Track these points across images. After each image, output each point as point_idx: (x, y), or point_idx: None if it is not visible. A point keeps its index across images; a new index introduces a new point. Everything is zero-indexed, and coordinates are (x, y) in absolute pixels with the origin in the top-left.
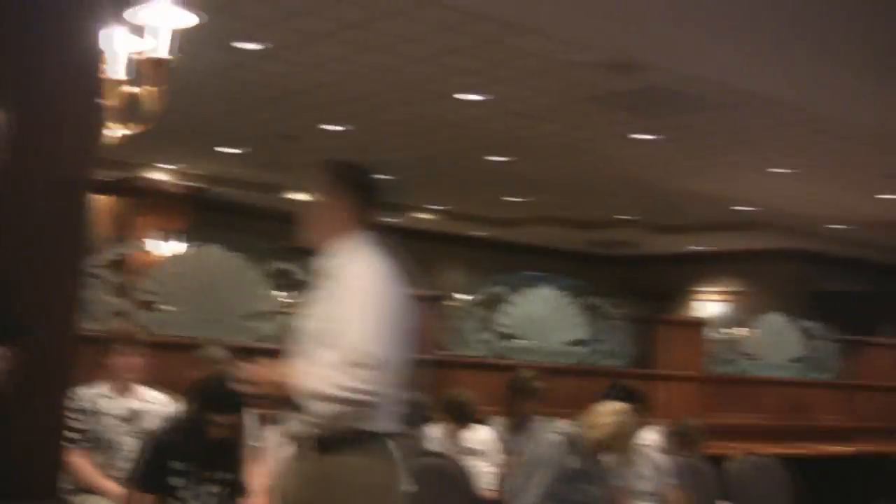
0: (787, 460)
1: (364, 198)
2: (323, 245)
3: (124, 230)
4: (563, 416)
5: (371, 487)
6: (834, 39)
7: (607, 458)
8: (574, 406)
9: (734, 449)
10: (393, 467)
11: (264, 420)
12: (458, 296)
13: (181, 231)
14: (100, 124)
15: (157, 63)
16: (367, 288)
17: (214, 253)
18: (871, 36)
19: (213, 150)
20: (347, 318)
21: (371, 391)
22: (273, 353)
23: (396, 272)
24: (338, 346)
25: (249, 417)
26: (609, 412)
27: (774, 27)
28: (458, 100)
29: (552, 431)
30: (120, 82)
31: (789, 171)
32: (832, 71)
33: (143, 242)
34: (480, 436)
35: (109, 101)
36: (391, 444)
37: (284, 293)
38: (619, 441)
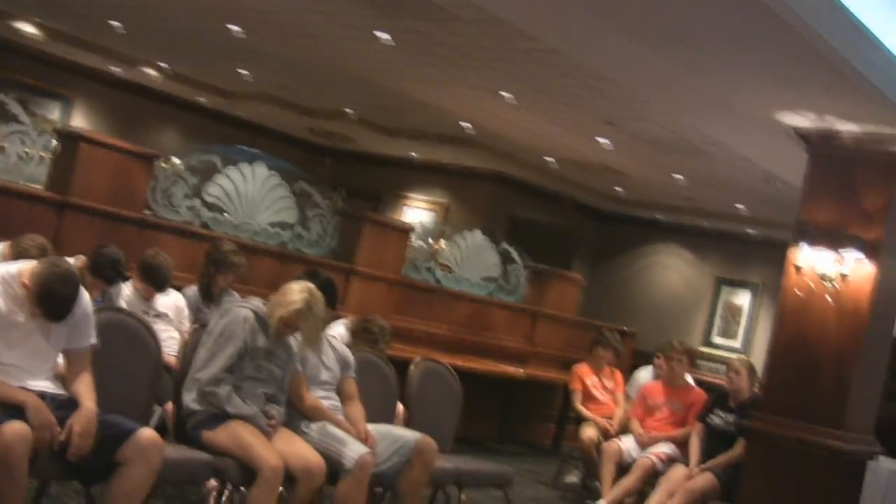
0: (463, 373)
1: None
2: None
3: None
4: (257, 295)
5: None
6: None
7: (294, 343)
8: (271, 288)
9: (416, 354)
10: None
11: None
12: (172, 158)
13: None
14: None
15: None
16: None
17: None
18: None
19: None
20: None
21: None
22: None
23: None
24: None
25: None
26: (297, 290)
27: None
28: None
29: (242, 306)
30: None
31: (511, 96)
32: (579, 11)
33: None
34: (172, 301)
35: None
36: None
37: None
38: (305, 320)
